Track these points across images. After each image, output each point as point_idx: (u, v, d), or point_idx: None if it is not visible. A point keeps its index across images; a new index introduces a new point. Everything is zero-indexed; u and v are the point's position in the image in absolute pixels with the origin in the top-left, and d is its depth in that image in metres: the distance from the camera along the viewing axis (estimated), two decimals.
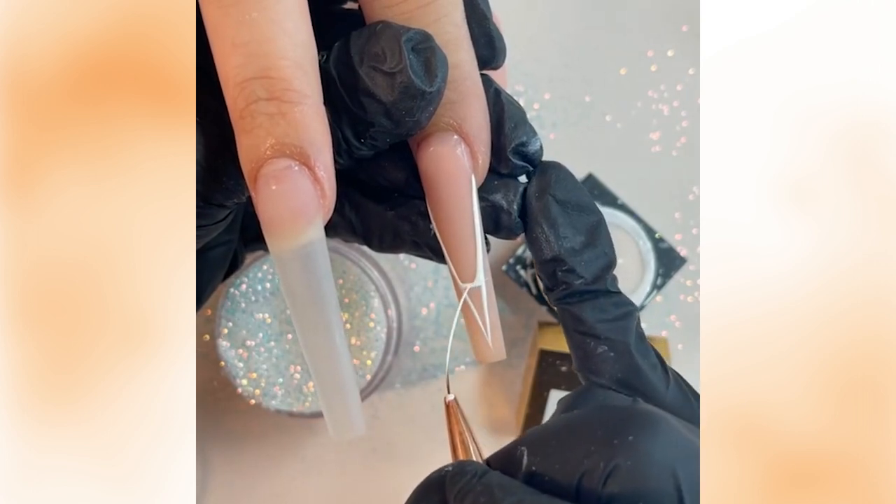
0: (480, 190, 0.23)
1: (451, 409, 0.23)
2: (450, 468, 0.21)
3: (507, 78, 0.46)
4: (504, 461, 0.21)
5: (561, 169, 0.24)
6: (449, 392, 0.24)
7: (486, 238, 0.24)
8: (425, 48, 0.20)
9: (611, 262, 0.23)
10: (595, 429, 0.19)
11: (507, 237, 0.24)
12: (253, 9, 0.19)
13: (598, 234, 0.23)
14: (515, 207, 0.23)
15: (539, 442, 0.20)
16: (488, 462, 0.22)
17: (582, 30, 0.46)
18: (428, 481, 0.21)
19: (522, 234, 0.24)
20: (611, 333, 0.23)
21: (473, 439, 0.23)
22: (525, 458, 0.20)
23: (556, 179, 0.23)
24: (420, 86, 0.20)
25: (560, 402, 0.23)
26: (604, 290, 0.23)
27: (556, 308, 0.24)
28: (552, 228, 0.23)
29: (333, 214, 0.25)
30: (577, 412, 0.21)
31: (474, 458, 0.23)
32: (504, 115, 0.23)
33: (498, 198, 0.23)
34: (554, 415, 0.23)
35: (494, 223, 0.24)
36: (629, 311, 0.23)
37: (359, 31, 0.21)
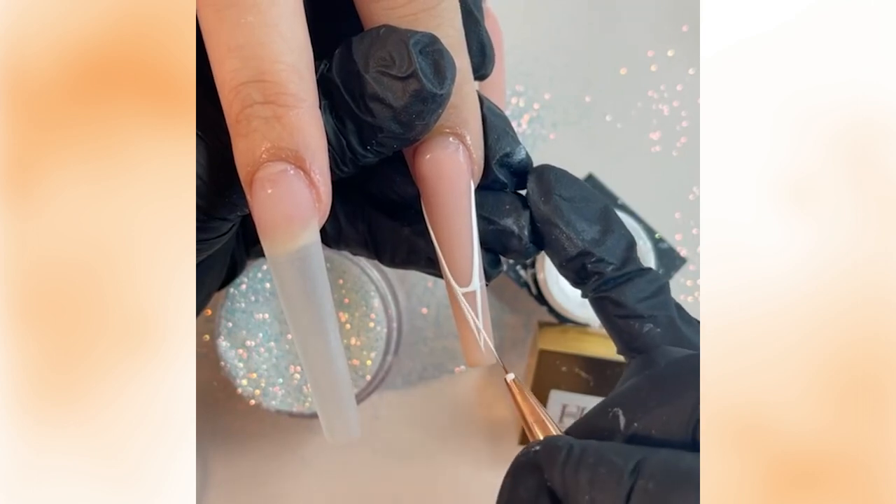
0: (491, 213, 0.23)
1: (515, 388, 0.23)
2: (537, 447, 0.21)
3: (507, 78, 0.46)
4: (592, 428, 0.21)
5: (556, 169, 0.24)
6: (507, 372, 0.23)
7: (499, 259, 0.24)
8: (433, 51, 0.20)
9: (631, 242, 0.24)
10: (696, 377, 0.19)
11: (517, 259, 0.24)
12: (248, 12, 0.19)
13: (610, 219, 0.24)
14: (526, 233, 0.23)
15: (635, 401, 0.20)
16: (569, 434, 0.21)
17: (582, 30, 0.46)
18: (518, 464, 0.21)
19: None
20: (653, 310, 0.23)
21: (545, 412, 0.23)
22: (622, 419, 0.20)
23: (556, 179, 0.23)
24: (431, 89, 0.20)
25: (630, 366, 0.23)
26: (636, 269, 0.23)
27: (590, 299, 0.24)
28: (569, 226, 0.23)
29: (347, 228, 0.25)
30: (664, 367, 0.20)
31: (554, 432, 0.22)
32: (486, 125, 0.23)
33: (509, 222, 0.23)
34: (626, 377, 0.22)
35: (503, 246, 0.24)
36: (662, 285, 0.24)
37: (360, 36, 0.21)
